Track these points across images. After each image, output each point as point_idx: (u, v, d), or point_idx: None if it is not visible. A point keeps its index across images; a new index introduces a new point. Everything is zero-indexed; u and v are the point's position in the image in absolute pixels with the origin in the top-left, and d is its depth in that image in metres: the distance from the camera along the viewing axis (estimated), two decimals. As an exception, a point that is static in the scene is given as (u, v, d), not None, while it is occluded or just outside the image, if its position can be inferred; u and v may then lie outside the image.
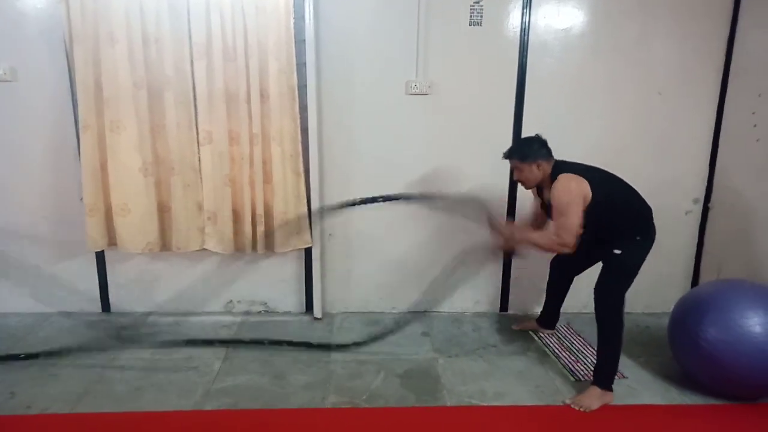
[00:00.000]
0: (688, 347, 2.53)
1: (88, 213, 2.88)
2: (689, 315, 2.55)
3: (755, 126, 2.94)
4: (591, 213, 2.37)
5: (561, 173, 2.41)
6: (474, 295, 3.39)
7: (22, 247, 3.10)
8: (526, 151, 2.47)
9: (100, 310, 3.23)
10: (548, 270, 3.02)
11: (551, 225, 2.48)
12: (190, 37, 2.81)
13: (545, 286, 3.08)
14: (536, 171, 2.46)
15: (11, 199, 3.05)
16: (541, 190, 2.58)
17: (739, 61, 3.08)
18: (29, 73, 2.91)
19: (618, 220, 2.46)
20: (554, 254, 2.90)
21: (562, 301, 3.06)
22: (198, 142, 2.92)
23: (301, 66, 2.91)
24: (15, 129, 2.97)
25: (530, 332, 3.12)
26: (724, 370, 2.39)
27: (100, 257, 3.16)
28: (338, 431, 2.22)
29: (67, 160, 2.99)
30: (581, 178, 2.38)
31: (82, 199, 2.92)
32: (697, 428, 2.32)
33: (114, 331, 3.00)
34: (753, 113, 2.96)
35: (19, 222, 3.07)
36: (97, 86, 2.80)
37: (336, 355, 2.80)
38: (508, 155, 2.54)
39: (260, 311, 3.31)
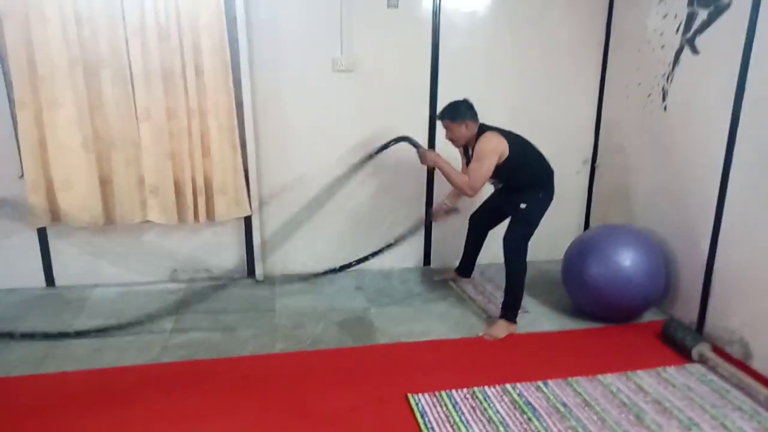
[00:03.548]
0: (576, 282, 3.07)
1: (30, 190, 2.97)
2: (576, 257, 3.08)
3: (628, 97, 3.49)
4: (506, 168, 2.81)
5: (485, 132, 2.82)
6: (401, 253, 3.79)
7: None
8: (455, 112, 2.84)
9: (45, 285, 3.33)
10: (465, 227, 3.45)
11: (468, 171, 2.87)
12: (123, 17, 2.92)
13: (462, 242, 3.51)
14: (464, 130, 2.85)
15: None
16: (467, 149, 2.97)
17: (616, 40, 3.62)
18: (-45, 52, 2.92)
19: (526, 178, 2.90)
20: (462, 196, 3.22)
21: (478, 252, 3.50)
22: (137, 118, 3.06)
23: (233, 43, 3.11)
24: (-57, 109, 2.97)
25: (450, 281, 3.57)
26: (603, 298, 2.94)
27: (42, 233, 3.24)
28: (288, 371, 2.53)
29: (1, 139, 3.03)
30: (502, 137, 2.80)
31: (21, 176, 3.00)
32: (583, 346, 2.84)
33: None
34: (626, 85, 3.50)
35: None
36: (31, 64, 2.86)
37: (280, 310, 3.11)
38: (441, 116, 2.91)
39: (204, 277, 3.53)
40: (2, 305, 3.11)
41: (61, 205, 3.05)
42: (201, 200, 3.23)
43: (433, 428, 2.12)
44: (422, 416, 2.19)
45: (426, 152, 3.05)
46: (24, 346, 2.66)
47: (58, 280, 3.35)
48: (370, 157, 3.39)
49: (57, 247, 3.30)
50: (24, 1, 2.79)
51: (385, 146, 3.33)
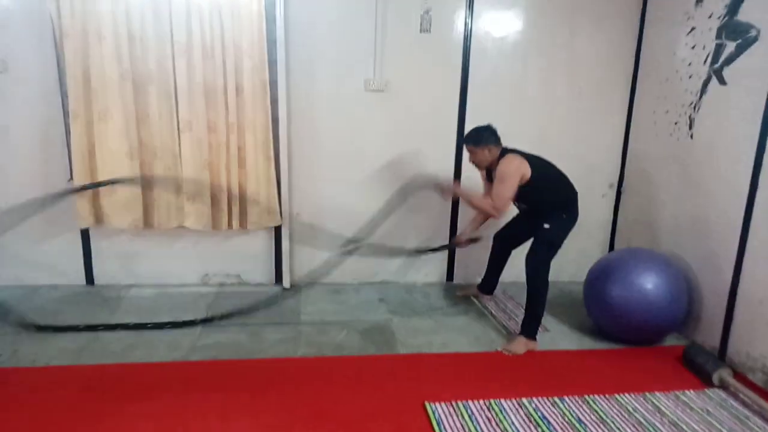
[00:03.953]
0: (598, 303, 3.09)
1: (78, 193, 3.17)
2: (599, 278, 3.10)
3: (655, 123, 3.53)
4: (529, 190, 2.88)
5: (507, 154, 2.91)
6: (424, 268, 3.87)
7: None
8: (478, 137, 2.95)
9: (85, 283, 3.52)
10: (488, 245, 3.52)
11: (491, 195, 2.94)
12: (171, 37, 3.14)
13: (485, 260, 3.58)
14: (487, 154, 2.95)
15: (2, 180, 3.30)
16: (489, 172, 3.06)
17: (644, 69, 3.68)
18: (18, 65, 3.17)
19: (549, 199, 2.97)
20: (488, 220, 3.33)
21: (501, 270, 3.56)
22: (178, 130, 3.25)
23: (272, 63, 3.29)
24: (5, 116, 3.22)
25: (472, 297, 3.63)
26: (624, 320, 2.95)
27: (85, 234, 3.45)
28: (310, 375, 2.62)
29: (54, 145, 3.27)
30: (523, 158, 2.88)
31: (69, 180, 3.21)
32: (602, 365, 2.85)
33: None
34: (653, 112, 3.54)
35: (9, 201, 3.31)
36: (85, 79, 3.09)
37: (305, 317, 3.22)
38: (465, 141, 3.03)
39: (234, 283, 3.67)
40: (45, 300, 3.30)
41: (105, 208, 3.24)
42: (235, 209, 3.39)
43: (448, 436, 2.18)
44: (438, 424, 2.24)
45: (445, 184, 3.19)
46: (64, 338, 2.83)
47: (98, 279, 3.54)
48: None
49: (98, 248, 3.50)
50: (83, 22, 3.03)
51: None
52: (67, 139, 3.22)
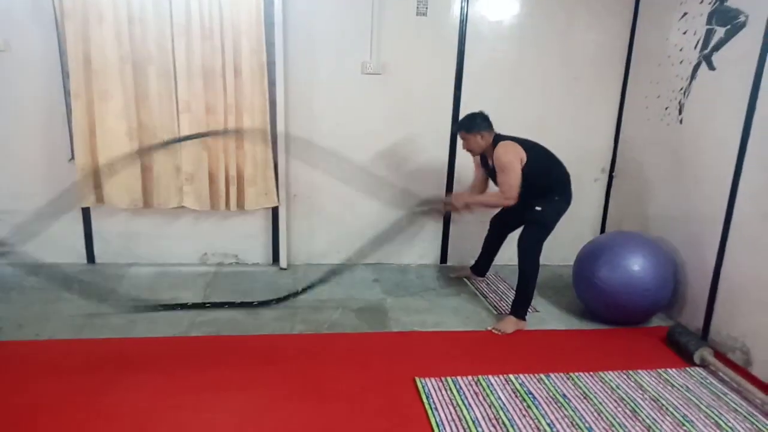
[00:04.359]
0: (586, 284, 3.17)
1: (79, 173, 3.23)
2: (587, 260, 3.18)
3: (647, 108, 3.59)
4: (523, 175, 2.93)
5: (500, 142, 2.96)
6: (419, 250, 3.95)
7: (15, 203, 3.40)
8: (470, 124, 3.00)
9: (86, 262, 3.60)
10: (482, 229, 3.59)
11: (498, 186, 3.02)
12: (171, 18, 3.17)
13: (479, 243, 3.65)
14: (480, 141, 3.00)
15: (4, 159, 3.35)
16: (485, 158, 3.12)
17: (638, 54, 3.72)
18: (20, 45, 3.21)
19: (541, 182, 3.02)
20: (496, 211, 3.44)
21: (496, 253, 3.63)
22: (177, 111, 3.30)
23: (270, 46, 3.32)
24: (7, 96, 3.26)
25: (465, 279, 3.71)
26: (612, 300, 3.03)
27: (86, 213, 3.51)
28: (306, 351, 2.71)
29: (56, 125, 3.32)
30: (516, 144, 2.94)
31: (70, 159, 3.27)
32: (588, 345, 2.95)
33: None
34: (645, 97, 3.60)
35: (12, 181, 3.38)
36: (86, 60, 3.13)
37: (301, 296, 3.30)
38: (457, 128, 3.08)
39: (232, 263, 3.75)
40: (47, 278, 3.36)
41: (105, 188, 3.30)
42: (233, 190, 3.45)
43: (437, 409, 2.27)
44: (427, 398, 2.34)
45: (453, 200, 3.16)
46: (66, 314, 2.91)
47: (98, 257, 3.61)
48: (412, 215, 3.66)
49: (99, 227, 3.56)
50: (83, 3, 3.07)
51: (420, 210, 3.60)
52: (69, 118, 3.27)
